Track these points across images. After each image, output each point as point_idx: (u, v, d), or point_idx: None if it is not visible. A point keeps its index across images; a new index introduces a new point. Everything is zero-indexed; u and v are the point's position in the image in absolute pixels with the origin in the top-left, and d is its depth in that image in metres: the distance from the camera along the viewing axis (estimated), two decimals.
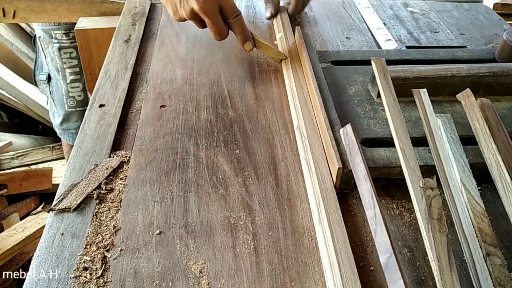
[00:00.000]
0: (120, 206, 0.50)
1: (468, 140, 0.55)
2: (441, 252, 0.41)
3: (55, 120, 1.27)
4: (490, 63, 0.70)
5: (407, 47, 0.83)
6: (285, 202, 0.51)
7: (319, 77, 0.66)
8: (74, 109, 1.22)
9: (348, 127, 0.53)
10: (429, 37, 0.88)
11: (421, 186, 0.45)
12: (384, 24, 0.92)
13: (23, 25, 2.03)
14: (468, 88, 0.60)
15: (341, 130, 0.55)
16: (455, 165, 0.50)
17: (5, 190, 1.39)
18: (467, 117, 0.57)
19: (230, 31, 0.71)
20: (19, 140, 1.74)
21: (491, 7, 1.13)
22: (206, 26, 0.69)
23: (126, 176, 0.54)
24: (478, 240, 0.44)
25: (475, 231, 0.44)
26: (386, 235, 0.42)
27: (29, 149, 1.65)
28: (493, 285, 0.40)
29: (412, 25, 0.92)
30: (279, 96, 0.67)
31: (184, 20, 0.69)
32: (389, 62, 0.66)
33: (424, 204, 0.44)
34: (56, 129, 1.30)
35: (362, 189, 0.47)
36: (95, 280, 0.42)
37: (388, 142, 0.56)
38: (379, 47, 0.84)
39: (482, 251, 0.43)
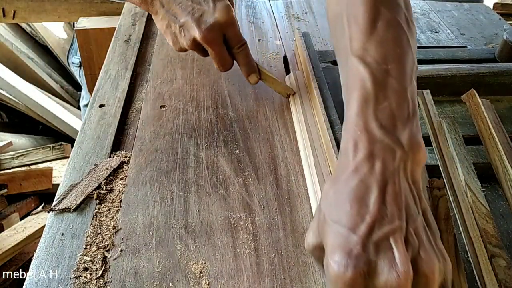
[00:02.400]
0: (120, 206, 0.50)
1: (468, 140, 0.55)
2: (449, 252, 0.40)
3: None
4: (490, 63, 0.70)
5: None
6: (285, 202, 0.51)
7: (319, 77, 0.66)
8: None
9: None
10: (429, 37, 0.88)
11: (428, 186, 0.45)
12: None
13: (23, 25, 2.04)
14: (473, 89, 0.60)
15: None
16: (459, 166, 0.50)
17: (5, 190, 1.39)
18: (472, 117, 0.57)
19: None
20: (19, 140, 1.74)
21: (491, 7, 1.13)
22: (208, 55, 0.62)
23: (126, 176, 0.54)
24: (483, 241, 0.43)
25: (480, 232, 0.44)
26: None
27: (29, 149, 1.65)
28: (499, 287, 0.40)
29: None
30: (279, 96, 0.67)
31: (185, 50, 0.61)
32: None
33: (431, 204, 0.44)
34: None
35: None
36: (95, 281, 0.42)
37: None
38: None
39: (487, 252, 0.43)
